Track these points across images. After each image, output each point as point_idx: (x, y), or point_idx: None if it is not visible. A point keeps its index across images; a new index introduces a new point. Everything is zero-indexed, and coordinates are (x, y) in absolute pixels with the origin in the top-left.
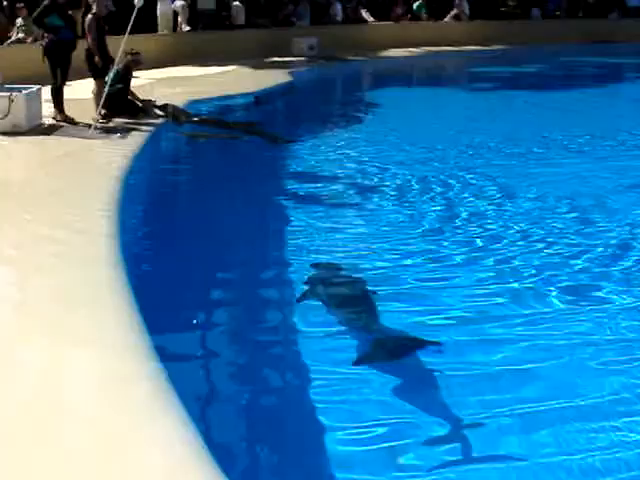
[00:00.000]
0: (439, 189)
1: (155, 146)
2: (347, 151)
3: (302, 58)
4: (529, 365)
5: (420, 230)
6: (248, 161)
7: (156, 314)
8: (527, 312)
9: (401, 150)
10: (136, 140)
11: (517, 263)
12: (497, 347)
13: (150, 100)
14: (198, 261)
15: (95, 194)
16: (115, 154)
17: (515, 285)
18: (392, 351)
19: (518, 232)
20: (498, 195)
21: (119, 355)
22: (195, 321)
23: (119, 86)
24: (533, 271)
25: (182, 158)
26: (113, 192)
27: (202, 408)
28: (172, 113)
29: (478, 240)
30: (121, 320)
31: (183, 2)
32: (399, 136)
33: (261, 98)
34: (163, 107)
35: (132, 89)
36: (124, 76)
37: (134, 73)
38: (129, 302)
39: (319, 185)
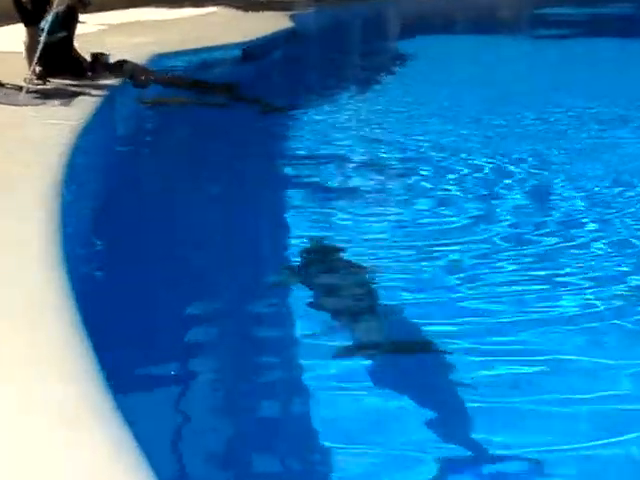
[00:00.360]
0: (489, 178)
1: (108, 117)
2: (364, 125)
3: None
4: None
5: (459, 233)
6: (231, 138)
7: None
8: None
9: (437, 124)
10: (83, 109)
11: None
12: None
13: (101, 54)
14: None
15: (27, 186)
16: (54, 128)
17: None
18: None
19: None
20: (587, 190)
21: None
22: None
23: (60, 35)
24: None
25: (144, 133)
26: (52, 182)
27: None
28: (130, 73)
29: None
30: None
31: None
32: (436, 105)
33: (251, 51)
34: (118, 65)
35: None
36: (66, 21)
37: (80, 17)
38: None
39: (326, 171)
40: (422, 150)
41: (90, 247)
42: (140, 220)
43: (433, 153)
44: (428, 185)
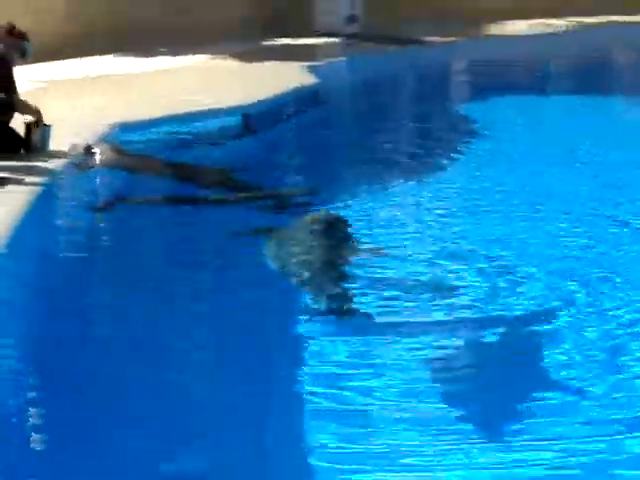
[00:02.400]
0: None
1: (44, 218)
2: (418, 220)
3: (333, 39)
4: None
5: None
6: (225, 253)
7: None
8: None
9: (514, 223)
10: (9, 205)
11: None
12: None
13: (36, 124)
14: None
15: None
16: None
17: None
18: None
19: None
20: None
21: None
22: None
23: None
24: None
25: (97, 249)
26: None
27: None
28: (86, 151)
29: None
30: None
31: None
32: (520, 197)
33: (255, 118)
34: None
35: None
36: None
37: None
38: None
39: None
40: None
41: None
42: None
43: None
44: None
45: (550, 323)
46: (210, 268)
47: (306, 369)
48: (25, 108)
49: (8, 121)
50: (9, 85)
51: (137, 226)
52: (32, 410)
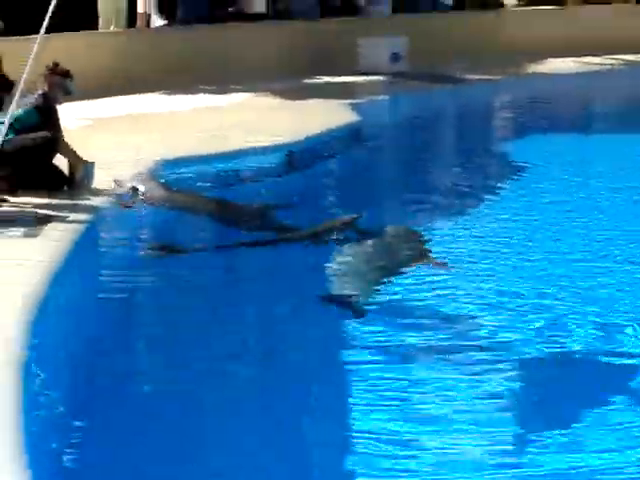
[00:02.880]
0: None
1: (91, 254)
2: (462, 262)
3: (377, 77)
4: None
5: None
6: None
7: None
8: None
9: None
10: (56, 241)
11: None
12: None
13: (84, 162)
14: None
15: None
16: (10, 272)
17: None
18: None
19: None
20: None
21: None
22: None
23: (36, 136)
24: None
25: (154, 295)
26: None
27: None
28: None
29: None
30: None
31: None
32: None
33: (298, 156)
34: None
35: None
36: (46, 116)
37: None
38: None
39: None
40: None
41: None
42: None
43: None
44: None
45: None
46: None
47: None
48: (67, 152)
49: (52, 158)
50: (54, 124)
51: (182, 271)
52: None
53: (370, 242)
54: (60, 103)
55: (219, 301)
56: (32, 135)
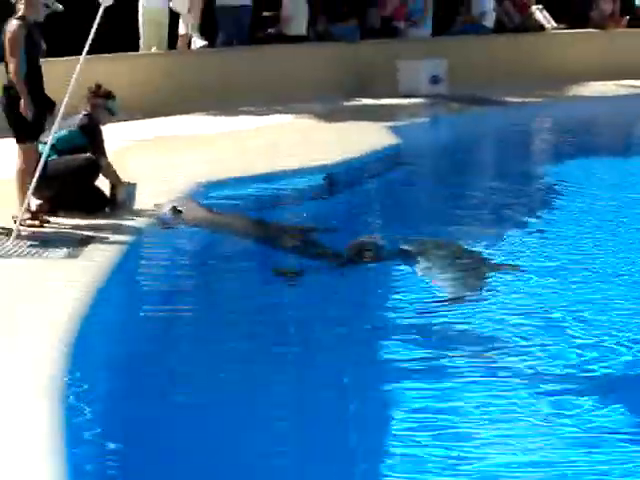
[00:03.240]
0: None
1: (132, 274)
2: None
3: (417, 100)
4: None
5: None
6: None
7: None
8: None
9: None
10: (97, 262)
11: None
12: None
13: (127, 183)
14: None
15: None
16: (51, 292)
17: None
18: None
19: None
20: None
21: None
22: None
23: (79, 159)
24: None
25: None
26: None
27: None
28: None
29: None
30: None
31: None
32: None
33: (338, 178)
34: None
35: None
36: (91, 137)
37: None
38: None
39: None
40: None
41: None
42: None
43: None
44: None
45: None
46: None
47: None
48: (110, 174)
49: (94, 180)
50: (98, 145)
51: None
52: None
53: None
54: (104, 124)
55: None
56: (75, 157)
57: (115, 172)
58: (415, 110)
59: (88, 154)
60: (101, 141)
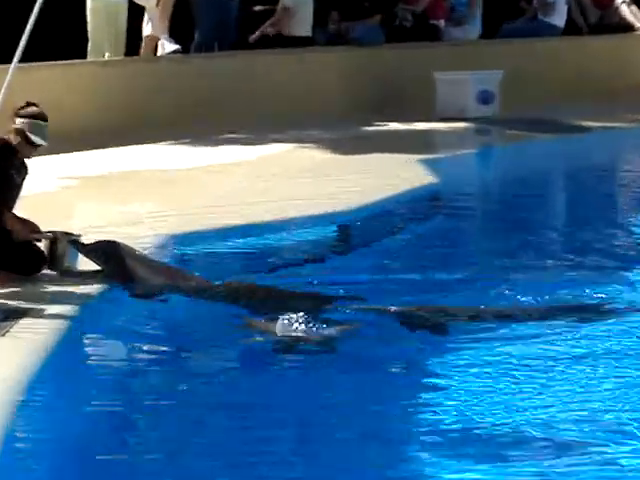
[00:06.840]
0: None
1: (71, 367)
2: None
3: (461, 124)
4: None
5: None
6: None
7: None
8: None
9: None
10: (26, 350)
11: None
12: None
13: (66, 235)
14: None
15: None
16: None
17: None
18: None
19: None
20: None
21: None
22: None
23: None
24: None
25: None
26: None
27: None
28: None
29: None
30: None
31: None
32: None
33: (355, 229)
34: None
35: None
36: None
37: (28, 160)
38: None
39: None
40: None
41: None
42: None
43: None
44: None
45: None
46: None
47: None
48: (20, 233)
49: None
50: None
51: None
52: None
53: None
54: (26, 156)
55: None
56: None
57: (27, 229)
58: (458, 139)
59: None
60: (17, 179)
